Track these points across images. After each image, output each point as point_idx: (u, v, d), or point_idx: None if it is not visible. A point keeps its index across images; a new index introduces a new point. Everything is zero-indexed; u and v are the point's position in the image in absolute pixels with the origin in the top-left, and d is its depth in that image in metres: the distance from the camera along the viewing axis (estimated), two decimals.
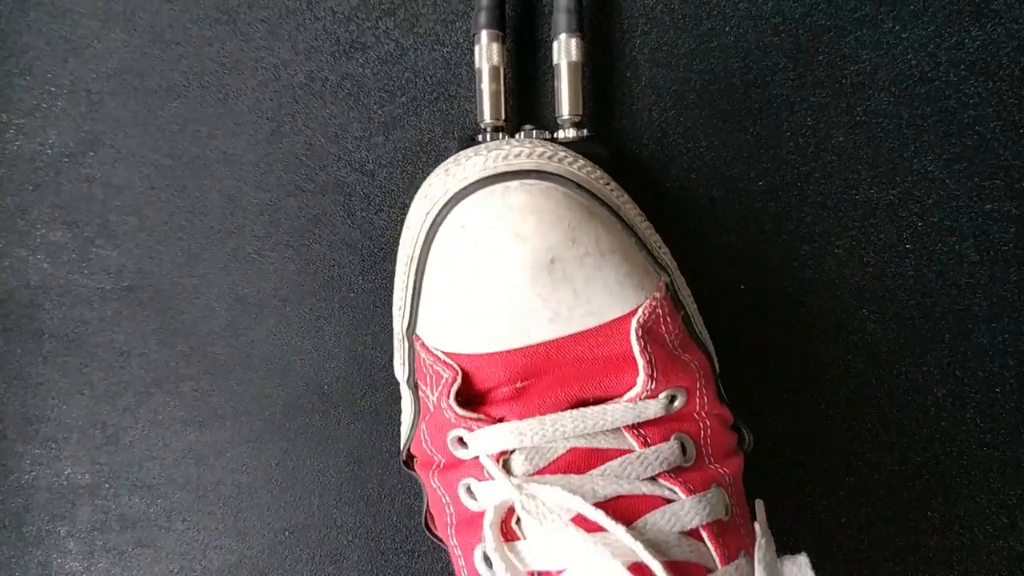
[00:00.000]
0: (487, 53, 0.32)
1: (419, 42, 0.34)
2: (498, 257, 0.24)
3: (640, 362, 0.25)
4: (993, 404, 0.35)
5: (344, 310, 0.35)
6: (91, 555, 0.35)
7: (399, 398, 0.34)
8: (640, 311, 0.25)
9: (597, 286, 0.25)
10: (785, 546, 0.33)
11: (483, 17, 0.32)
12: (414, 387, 0.29)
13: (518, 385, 0.26)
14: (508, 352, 0.25)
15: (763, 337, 0.35)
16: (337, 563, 0.35)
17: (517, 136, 0.31)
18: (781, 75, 0.34)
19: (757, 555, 0.23)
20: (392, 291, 0.35)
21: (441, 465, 0.28)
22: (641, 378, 0.25)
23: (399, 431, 0.35)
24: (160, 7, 0.34)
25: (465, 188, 0.25)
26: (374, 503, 0.35)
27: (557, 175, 0.26)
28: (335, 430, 0.35)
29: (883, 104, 0.34)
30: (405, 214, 0.34)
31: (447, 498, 0.27)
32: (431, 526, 0.31)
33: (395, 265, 0.34)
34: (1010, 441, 0.35)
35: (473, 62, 0.33)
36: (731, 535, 0.25)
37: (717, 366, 0.30)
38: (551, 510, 0.23)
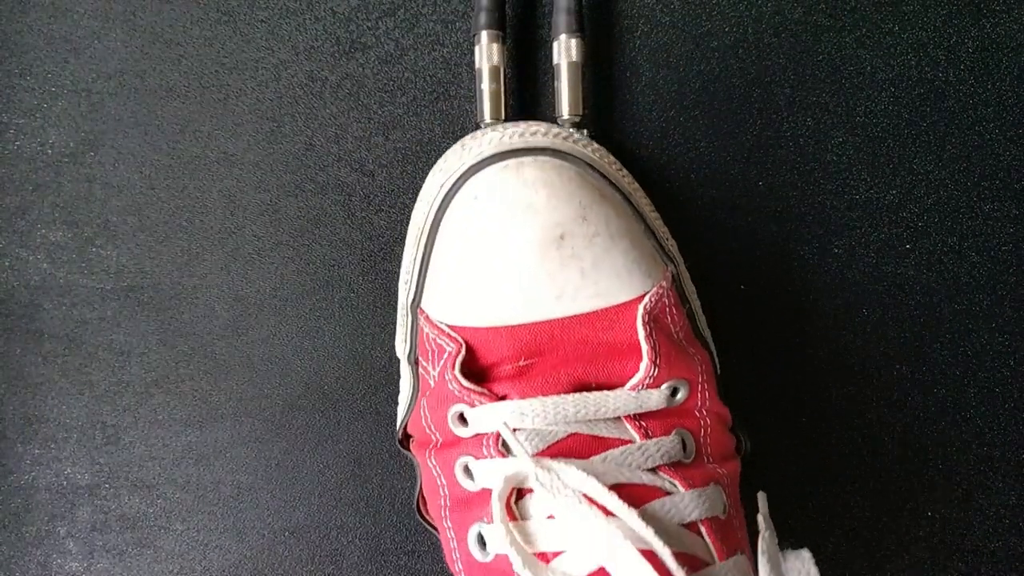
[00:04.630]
0: (487, 53, 0.32)
1: (419, 42, 0.34)
2: (508, 228, 0.24)
3: (644, 347, 0.25)
4: (993, 404, 0.35)
5: (344, 310, 0.35)
6: (91, 555, 0.35)
7: (400, 397, 0.34)
8: (647, 297, 0.26)
9: (605, 268, 0.25)
10: (784, 547, 0.33)
11: (483, 17, 0.32)
12: (415, 363, 0.29)
13: (521, 363, 0.26)
14: (513, 327, 0.25)
15: (763, 337, 0.35)
16: (337, 563, 0.35)
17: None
18: (781, 75, 0.34)
19: (760, 546, 0.23)
20: (393, 296, 0.35)
21: (439, 444, 0.27)
22: (644, 363, 0.25)
23: (395, 411, 0.35)
24: (160, 7, 0.35)
25: (480, 162, 0.26)
26: (374, 503, 0.35)
27: (571, 155, 0.26)
28: (335, 430, 0.35)
29: (883, 104, 0.34)
30: (405, 215, 0.34)
31: (442, 479, 0.27)
32: (422, 509, 0.30)
33: (396, 264, 0.34)
34: (1010, 441, 0.35)
35: (473, 62, 0.33)
36: (729, 534, 0.25)
37: (718, 366, 0.30)
38: (566, 485, 0.23)
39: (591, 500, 0.23)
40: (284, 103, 0.35)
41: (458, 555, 0.26)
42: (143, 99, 0.35)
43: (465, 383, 0.25)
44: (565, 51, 0.32)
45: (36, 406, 0.35)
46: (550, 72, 0.34)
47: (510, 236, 0.25)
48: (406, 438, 0.30)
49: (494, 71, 0.32)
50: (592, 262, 0.25)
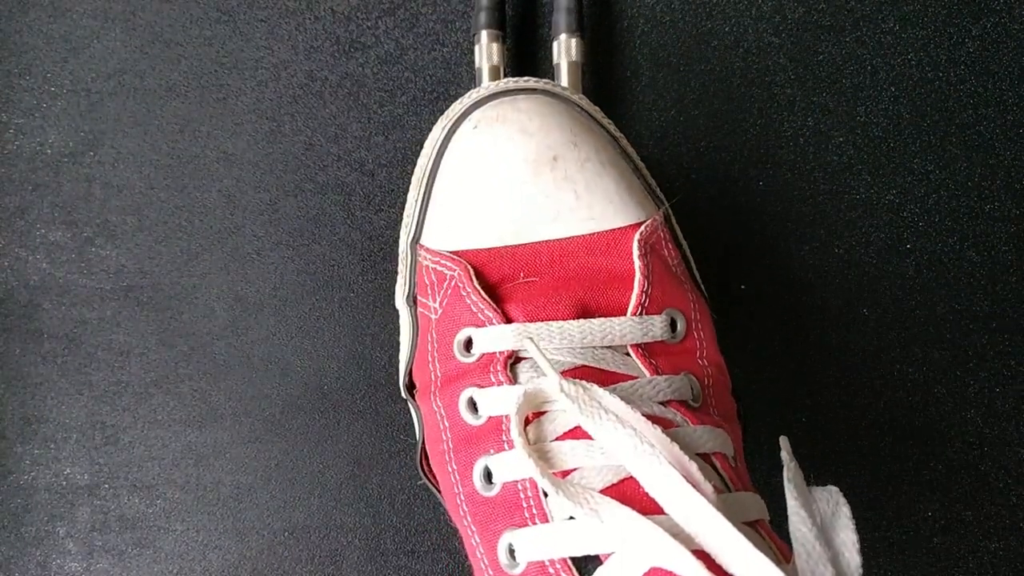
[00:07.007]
0: (487, 53, 0.32)
1: (419, 42, 0.34)
2: (504, 148, 0.26)
3: (637, 264, 0.26)
4: (993, 404, 0.35)
5: (344, 310, 0.35)
6: (90, 555, 0.35)
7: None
8: (643, 226, 0.26)
9: (598, 193, 0.26)
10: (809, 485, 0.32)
11: (483, 17, 0.32)
12: (413, 302, 0.29)
13: (521, 279, 0.26)
14: (512, 247, 0.26)
15: (763, 337, 0.35)
16: (337, 563, 0.35)
17: None
18: (781, 75, 0.34)
19: (786, 475, 0.23)
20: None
21: (439, 382, 0.27)
22: (637, 279, 0.26)
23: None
24: (160, 7, 0.34)
25: (479, 101, 0.27)
26: (374, 503, 0.35)
27: (563, 96, 0.28)
28: (335, 430, 0.35)
29: (883, 104, 0.34)
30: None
31: (445, 420, 0.27)
32: (425, 467, 0.30)
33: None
34: (1010, 441, 0.35)
35: (473, 62, 0.33)
36: (741, 475, 0.25)
37: (714, 317, 0.30)
38: (592, 399, 0.23)
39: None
40: (284, 103, 0.35)
41: (463, 497, 0.26)
42: (143, 99, 0.35)
43: (484, 295, 0.26)
44: (565, 51, 0.32)
45: (36, 406, 0.35)
46: (550, 72, 0.34)
47: (505, 155, 0.26)
48: (411, 388, 0.30)
49: (494, 71, 0.32)
50: (585, 185, 0.26)
